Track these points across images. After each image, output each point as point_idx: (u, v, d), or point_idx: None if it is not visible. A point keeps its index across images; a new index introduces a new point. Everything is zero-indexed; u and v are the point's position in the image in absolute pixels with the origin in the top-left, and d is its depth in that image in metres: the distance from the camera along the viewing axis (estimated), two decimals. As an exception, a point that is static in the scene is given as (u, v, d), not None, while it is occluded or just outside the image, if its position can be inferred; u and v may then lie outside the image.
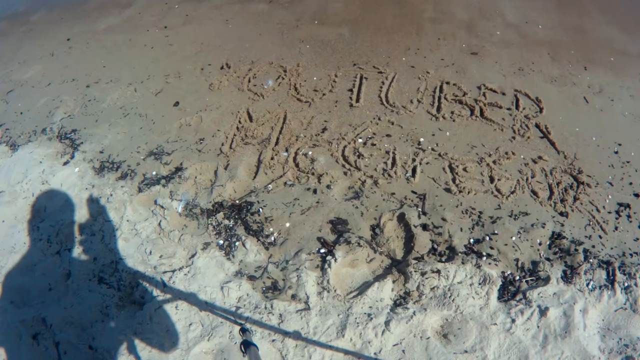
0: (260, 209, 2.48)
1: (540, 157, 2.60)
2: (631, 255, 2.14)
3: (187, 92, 3.42)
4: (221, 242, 2.38)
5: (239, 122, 3.06)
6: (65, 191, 2.80)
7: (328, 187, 2.54)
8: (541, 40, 3.62)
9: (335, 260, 2.18)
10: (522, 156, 2.62)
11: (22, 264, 2.46)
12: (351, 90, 3.18)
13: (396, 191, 2.48)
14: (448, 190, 2.46)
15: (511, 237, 2.21)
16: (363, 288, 2.11)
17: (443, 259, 2.16)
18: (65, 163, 2.99)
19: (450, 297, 2.01)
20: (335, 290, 2.10)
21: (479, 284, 2.05)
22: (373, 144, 2.74)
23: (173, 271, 2.27)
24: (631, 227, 2.26)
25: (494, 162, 2.59)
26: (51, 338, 2.10)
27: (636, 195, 2.40)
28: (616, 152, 2.64)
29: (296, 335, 1.96)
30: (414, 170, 2.56)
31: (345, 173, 2.61)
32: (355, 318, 1.98)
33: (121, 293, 2.25)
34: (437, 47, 3.54)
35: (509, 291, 2.05)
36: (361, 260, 2.20)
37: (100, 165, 2.93)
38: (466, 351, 1.88)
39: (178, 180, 2.71)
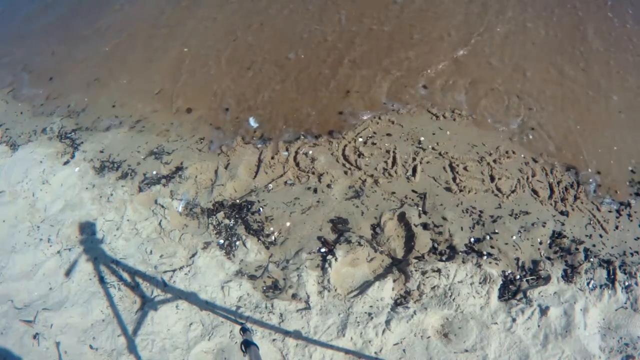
0: (261, 209, 2.48)
1: (540, 156, 2.60)
2: (632, 254, 2.14)
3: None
4: (222, 241, 2.37)
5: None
6: (65, 191, 2.80)
7: (328, 186, 2.54)
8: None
9: (336, 259, 2.17)
10: (522, 155, 2.62)
11: (23, 264, 2.46)
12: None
13: (397, 190, 2.48)
14: (448, 189, 2.46)
15: (512, 236, 2.21)
16: (364, 287, 2.11)
17: (443, 258, 2.16)
18: (66, 163, 2.99)
19: (450, 296, 2.01)
20: (335, 290, 2.10)
21: (480, 283, 2.05)
22: (373, 143, 2.74)
23: (173, 271, 2.27)
24: (632, 226, 2.26)
25: (495, 161, 2.58)
26: (51, 338, 2.10)
27: (637, 194, 2.40)
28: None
29: (297, 335, 1.96)
30: (414, 170, 2.56)
31: (345, 172, 2.61)
32: (356, 317, 1.98)
33: (122, 293, 2.25)
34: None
35: (509, 290, 2.05)
36: (362, 259, 2.20)
37: (100, 165, 2.93)
38: (467, 350, 1.88)
39: (178, 179, 2.71)
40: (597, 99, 2.95)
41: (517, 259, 2.14)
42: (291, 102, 3.16)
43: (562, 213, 2.32)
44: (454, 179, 2.50)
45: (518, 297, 2.01)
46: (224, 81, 3.43)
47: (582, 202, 2.36)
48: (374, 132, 2.82)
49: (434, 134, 2.77)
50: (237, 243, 2.35)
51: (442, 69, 3.20)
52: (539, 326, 1.91)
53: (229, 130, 3.02)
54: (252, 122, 2.98)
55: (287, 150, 2.78)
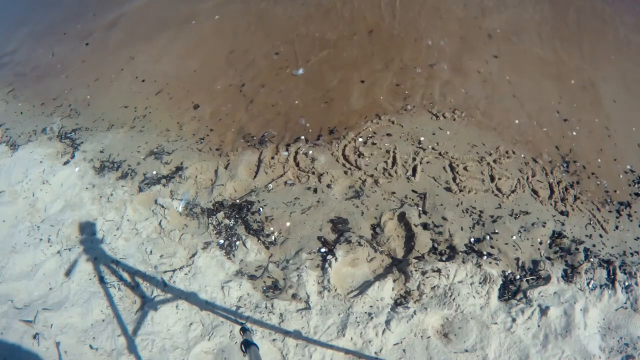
0: (261, 208, 2.48)
1: (540, 155, 2.60)
2: (632, 254, 2.14)
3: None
4: (222, 241, 2.37)
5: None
6: (65, 191, 2.80)
7: (328, 186, 2.54)
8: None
9: (336, 259, 2.17)
10: (522, 155, 2.62)
11: (23, 264, 2.46)
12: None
13: (397, 190, 2.48)
14: (448, 189, 2.46)
15: (512, 236, 2.21)
16: (364, 287, 2.11)
17: (444, 258, 2.16)
18: (66, 163, 3.00)
19: (450, 296, 2.01)
20: (335, 290, 2.10)
21: (480, 283, 2.05)
22: (373, 143, 2.74)
23: (173, 271, 2.27)
24: (632, 226, 2.26)
25: (495, 161, 2.58)
26: (51, 338, 2.10)
27: (637, 194, 2.40)
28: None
29: (297, 335, 1.96)
30: (414, 169, 2.56)
31: (345, 172, 2.61)
32: (356, 317, 1.98)
33: (122, 293, 2.25)
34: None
35: (509, 290, 2.05)
36: (362, 259, 2.20)
37: (100, 165, 2.93)
38: (467, 350, 1.88)
39: (178, 179, 2.71)
40: (595, 94, 2.97)
41: (517, 259, 2.14)
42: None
43: (562, 213, 2.32)
44: (454, 179, 2.50)
45: (518, 297, 2.01)
46: (231, 77, 3.44)
47: (582, 202, 2.36)
48: (374, 132, 2.82)
49: (434, 134, 2.77)
50: (237, 243, 2.35)
51: (442, 68, 3.20)
52: (539, 326, 1.91)
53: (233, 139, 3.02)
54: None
55: (287, 150, 2.78)
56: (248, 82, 3.38)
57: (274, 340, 1.96)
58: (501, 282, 2.06)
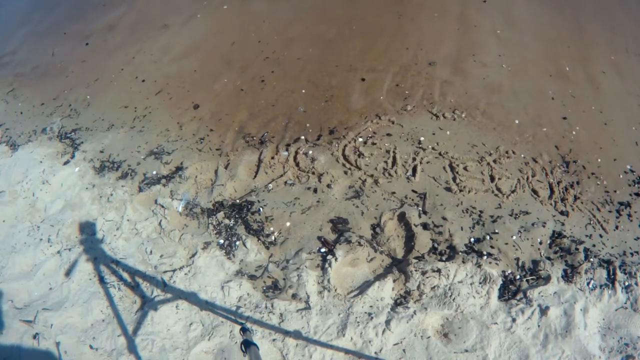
0: (261, 209, 2.48)
1: (540, 155, 2.60)
2: (632, 254, 2.14)
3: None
4: (222, 241, 2.37)
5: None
6: (65, 191, 2.80)
7: (328, 186, 2.54)
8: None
9: (336, 259, 2.17)
10: (522, 155, 2.62)
11: (23, 264, 2.46)
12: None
13: (397, 190, 2.48)
14: (448, 189, 2.46)
15: (512, 236, 2.21)
16: (363, 287, 2.11)
17: (443, 258, 2.16)
18: (66, 163, 3.00)
19: (450, 296, 2.01)
20: (335, 290, 2.10)
21: (480, 283, 2.05)
22: (373, 143, 2.74)
23: (173, 271, 2.27)
24: (632, 226, 2.26)
25: (495, 161, 2.58)
26: (51, 338, 2.10)
27: (637, 194, 2.40)
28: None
29: (297, 335, 1.96)
30: (414, 169, 2.56)
31: (345, 172, 2.60)
32: (356, 317, 1.98)
33: (122, 293, 2.25)
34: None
35: (509, 290, 2.05)
36: (362, 259, 2.20)
37: (100, 165, 2.93)
38: (467, 350, 1.88)
39: (178, 179, 2.71)
40: (595, 93, 2.97)
41: (517, 259, 2.14)
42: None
43: (562, 213, 2.32)
44: (454, 179, 2.50)
45: (518, 297, 2.01)
46: (231, 77, 3.44)
47: (582, 202, 2.36)
48: (374, 132, 2.82)
49: (434, 134, 2.77)
50: (237, 243, 2.35)
51: (442, 68, 3.20)
52: (539, 326, 1.91)
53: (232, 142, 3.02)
54: None
55: (287, 150, 2.78)
56: (248, 81, 3.38)
57: (274, 340, 1.96)
58: (501, 282, 2.06)
